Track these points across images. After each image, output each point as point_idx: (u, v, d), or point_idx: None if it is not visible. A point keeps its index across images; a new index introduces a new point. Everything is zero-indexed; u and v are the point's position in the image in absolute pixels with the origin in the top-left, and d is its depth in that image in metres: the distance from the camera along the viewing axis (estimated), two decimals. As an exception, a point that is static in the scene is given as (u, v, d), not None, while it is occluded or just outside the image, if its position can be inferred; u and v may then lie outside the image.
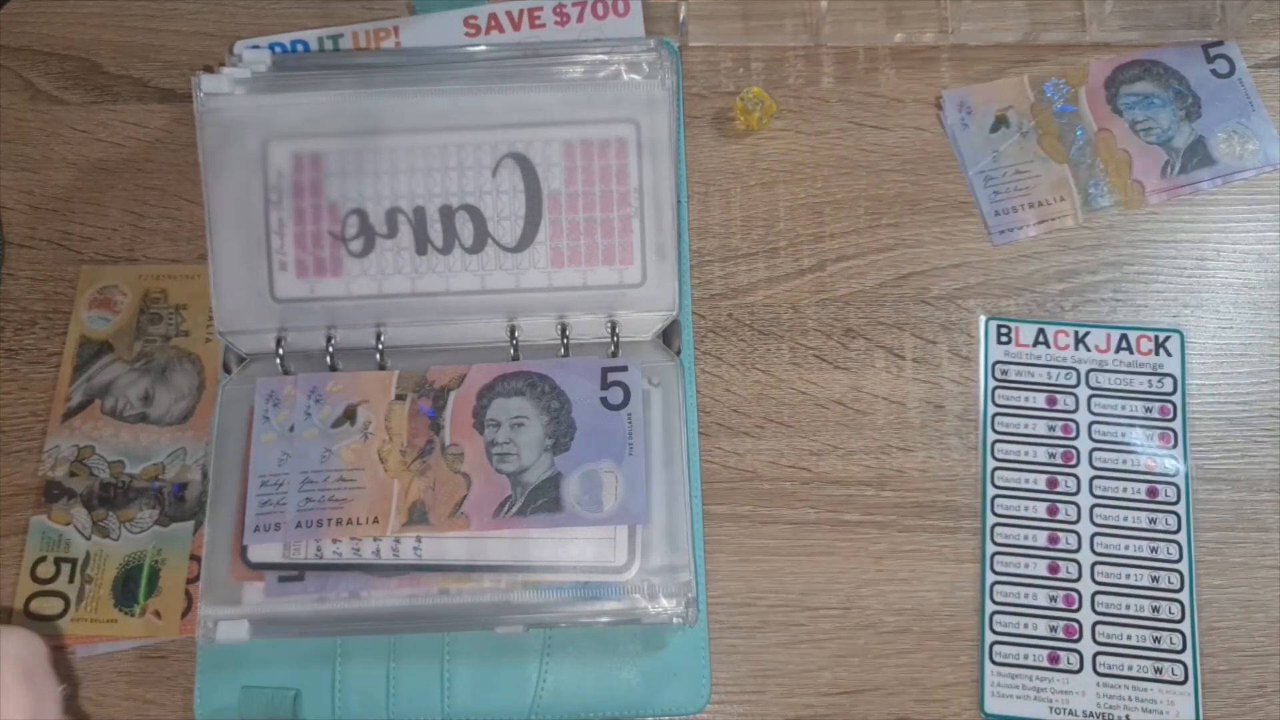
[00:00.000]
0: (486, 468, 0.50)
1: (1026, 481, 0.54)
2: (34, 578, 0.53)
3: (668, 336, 0.54)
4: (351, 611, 0.49)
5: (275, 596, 0.49)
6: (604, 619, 0.48)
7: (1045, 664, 0.51)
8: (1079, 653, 0.52)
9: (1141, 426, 0.55)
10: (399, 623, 0.49)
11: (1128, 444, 0.55)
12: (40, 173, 0.61)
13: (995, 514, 0.54)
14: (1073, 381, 0.56)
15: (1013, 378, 0.56)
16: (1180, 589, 0.52)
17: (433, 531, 0.49)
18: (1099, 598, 0.52)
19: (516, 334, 0.52)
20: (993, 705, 0.51)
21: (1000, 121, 0.61)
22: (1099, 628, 0.52)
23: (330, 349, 0.52)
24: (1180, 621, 0.52)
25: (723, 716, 0.52)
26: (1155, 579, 0.52)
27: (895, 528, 0.54)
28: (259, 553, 0.49)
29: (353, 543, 0.49)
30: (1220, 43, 0.62)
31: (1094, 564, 0.53)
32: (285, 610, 0.48)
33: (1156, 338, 0.56)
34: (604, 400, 0.51)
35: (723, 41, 0.63)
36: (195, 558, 0.53)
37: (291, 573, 0.49)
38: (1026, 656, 0.52)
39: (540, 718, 0.50)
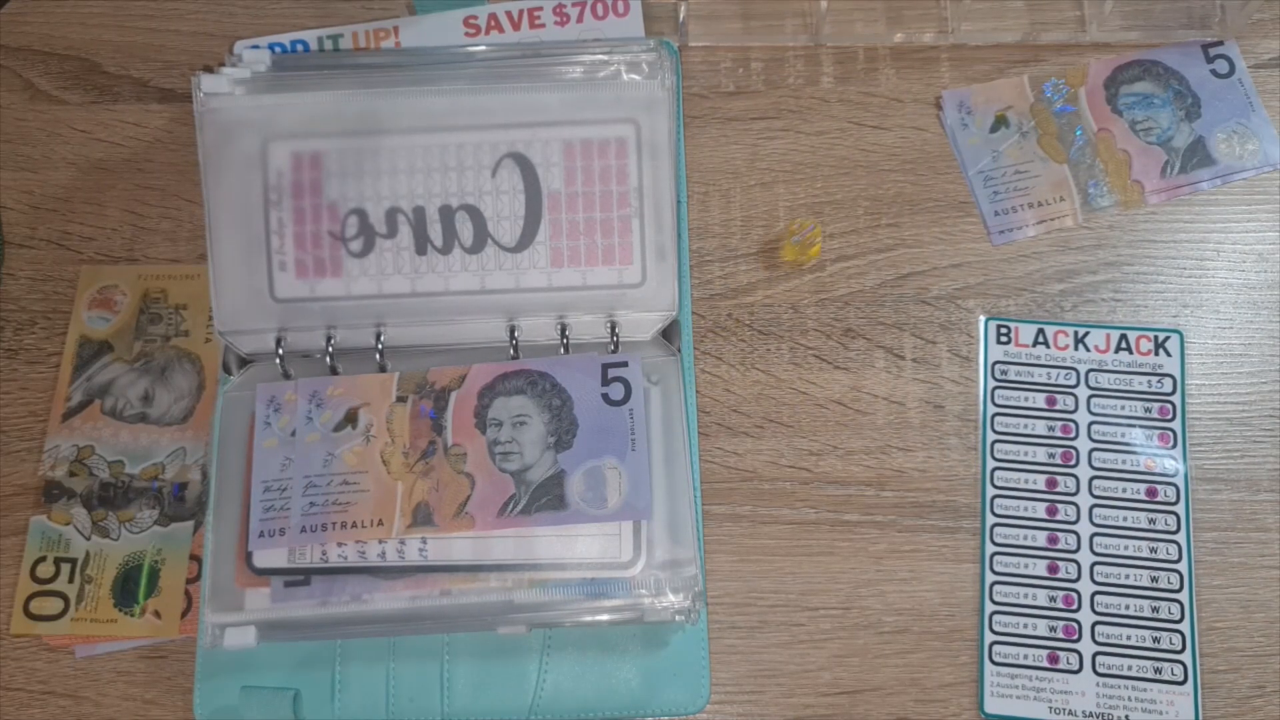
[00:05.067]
0: (489, 467, 0.50)
1: (1026, 482, 0.54)
2: (34, 578, 0.53)
3: (667, 336, 0.53)
4: (355, 614, 0.49)
5: (281, 602, 0.49)
6: (610, 616, 0.48)
7: (1045, 664, 0.51)
8: (1078, 653, 0.52)
9: (1141, 427, 0.55)
10: (402, 625, 0.49)
11: (1127, 444, 0.55)
12: (40, 173, 0.61)
13: (995, 514, 0.54)
14: (1072, 382, 0.56)
15: (1012, 378, 0.56)
16: (1180, 589, 0.52)
17: (438, 533, 0.49)
18: (1098, 598, 0.52)
19: (516, 334, 0.52)
20: (992, 705, 0.51)
21: (1000, 121, 0.61)
22: (1098, 628, 0.52)
23: (330, 349, 0.52)
24: (1180, 621, 0.52)
25: (723, 716, 0.52)
26: (1155, 579, 0.52)
27: (895, 528, 0.54)
28: (264, 558, 0.49)
29: (358, 546, 0.49)
30: (1220, 43, 0.62)
31: (1093, 564, 0.53)
32: (291, 615, 0.48)
33: (1156, 338, 0.56)
34: (605, 396, 0.51)
35: (723, 41, 0.63)
36: (195, 558, 0.53)
37: (297, 577, 0.49)
38: (1026, 656, 0.52)
39: (540, 717, 0.50)
